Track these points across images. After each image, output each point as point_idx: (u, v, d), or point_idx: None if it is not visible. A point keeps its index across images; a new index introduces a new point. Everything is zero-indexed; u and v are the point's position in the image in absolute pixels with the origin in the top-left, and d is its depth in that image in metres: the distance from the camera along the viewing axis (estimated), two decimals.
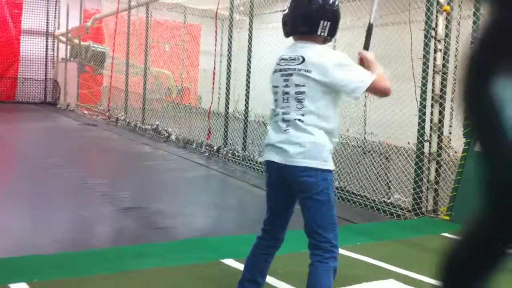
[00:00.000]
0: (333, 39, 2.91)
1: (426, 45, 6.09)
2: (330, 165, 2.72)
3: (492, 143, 1.58)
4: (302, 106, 2.72)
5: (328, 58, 2.71)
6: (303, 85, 2.72)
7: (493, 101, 1.47)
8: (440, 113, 6.10)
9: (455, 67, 7.52)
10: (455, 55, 7.63)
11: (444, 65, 6.13)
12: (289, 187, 2.80)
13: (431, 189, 6.08)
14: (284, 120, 2.77)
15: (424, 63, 6.09)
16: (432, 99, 6.13)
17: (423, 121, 6.11)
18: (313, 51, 2.75)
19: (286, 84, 2.78)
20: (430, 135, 6.12)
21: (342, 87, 2.70)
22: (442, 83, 6.11)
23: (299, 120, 2.72)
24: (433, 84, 6.12)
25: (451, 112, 7.61)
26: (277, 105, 2.84)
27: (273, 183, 2.90)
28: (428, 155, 6.13)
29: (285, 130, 2.76)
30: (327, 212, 2.70)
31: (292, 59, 2.78)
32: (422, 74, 6.09)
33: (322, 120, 2.71)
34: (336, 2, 2.86)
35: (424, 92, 6.09)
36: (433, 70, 6.13)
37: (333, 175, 2.78)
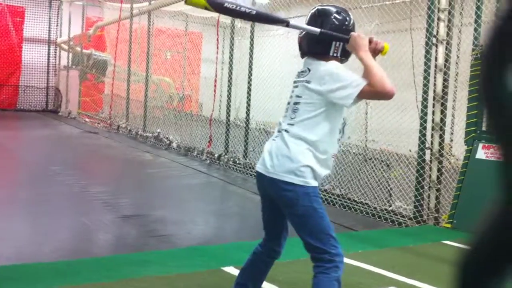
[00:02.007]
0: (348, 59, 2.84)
1: (428, 52, 6.10)
2: (309, 182, 2.65)
3: (510, 137, 1.51)
4: (295, 116, 2.73)
5: (325, 67, 2.68)
6: (301, 96, 2.74)
7: (508, 92, 1.40)
8: (442, 120, 6.10)
9: (456, 74, 7.53)
10: (456, 63, 7.64)
11: (445, 65, 6.12)
12: (274, 198, 2.79)
13: (432, 197, 6.07)
14: (278, 130, 2.80)
15: (425, 70, 6.10)
16: (433, 106, 6.13)
17: (424, 128, 6.11)
18: (317, 64, 2.74)
19: (291, 95, 2.82)
20: (431, 143, 6.11)
21: (335, 94, 2.62)
22: (444, 84, 6.10)
23: (285, 130, 2.73)
24: (434, 90, 6.13)
25: (452, 119, 7.61)
26: (283, 114, 2.86)
27: (261, 193, 2.91)
28: (429, 161, 6.12)
29: (273, 139, 2.80)
30: (316, 224, 2.66)
31: (302, 72, 2.80)
32: (424, 82, 6.10)
33: (307, 132, 2.68)
34: (351, 22, 2.81)
35: (425, 99, 6.10)
36: (434, 77, 6.13)
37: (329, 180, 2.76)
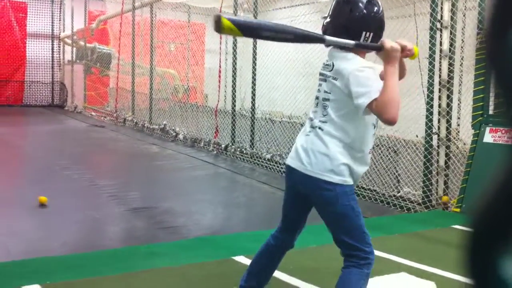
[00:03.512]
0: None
1: (432, 37, 6.07)
2: (347, 181, 2.62)
3: None
4: (326, 113, 2.64)
5: (349, 66, 2.57)
6: (330, 93, 2.64)
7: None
8: (448, 105, 6.08)
9: (462, 59, 7.48)
10: (461, 47, 7.59)
11: (450, 50, 6.09)
12: (303, 195, 2.74)
13: (440, 182, 6.06)
14: (311, 125, 2.71)
15: (430, 56, 6.06)
16: (439, 91, 6.10)
17: (431, 113, 6.08)
18: (341, 58, 2.63)
19: (319, 89, 2.73)
20: (438, 128, 6.09)
21: (354, 98, 2.52)
22: (449, 68, 6.08)
23: (319, 128, 2.64)
24: (439, 75, 6.09)
25: (458, 104, 7.57)
26: (313, 108, 2.77)
27: (288, 187, 2.86)
28: (437, 145, 6.10)
29: (307, 134, 2.71)
30: (353, 223, 2.63)
31: (327, 65, 2.70)
32: (429, 67, 6.07)
33: (340, 131, 2.60)
34: (381, 9, 2.68)
35: (431, 84, 6.07)
36: (439, 61, 6.10)
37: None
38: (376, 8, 2.67)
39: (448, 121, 6.09)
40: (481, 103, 5.91)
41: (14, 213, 5.53)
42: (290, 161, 2.74)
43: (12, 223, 5.12)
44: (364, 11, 2.64)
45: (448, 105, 6.08)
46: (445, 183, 6.06)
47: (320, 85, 2.72)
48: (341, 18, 2.65)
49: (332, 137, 2.61)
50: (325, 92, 2.66)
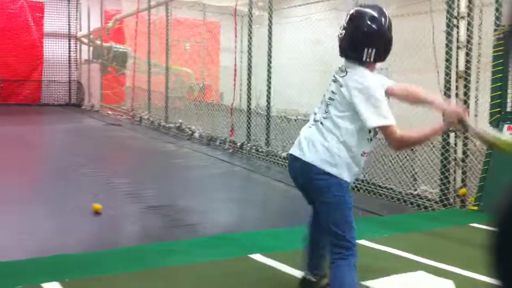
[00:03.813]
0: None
1: (449, 34, 6.01)
2: (342, 174, 2.75)
3: None
4: (328, 111, 2.80)
5: (358, 82, 2.71)
6: (335, 93, 2.79)
7: None
8: (465, 102, 6.02)
9: (479, 55, 7.41)
10: (478, 43, 7.53)
11: (467, 46, 6.02)
12: (304, 185, 2.90)
13: (458, 178, 6.00)
14: (314, 119, 2.87)
15: (447, 52, 6.01)
16: (456, 81, 6.04)
17: None
18: (354, 70, 2.76)
19: (327, 89, 2.87)
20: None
21: (360, 113, 2.70)
22: (466, 67, 6.02)
23: (321, 122, 2.81)
24: (457, 66, 6.02)
25: (476, 101, 7.50)
26: (319, 104, 2.93)
27: (291, 176, 2.99)
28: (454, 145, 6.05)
29: (310, 127, 2.87)
30: (343, 214, 2.76)
31: (341, 71, 2.82)
32: (446, 64, 6.02)
33: (336, 129, 2.76)
34: (386, 25, 2.75)
35: (448, 81, 6.02)
36: (456, 58, 6.04)
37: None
38: (379, 24, 2.74)
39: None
40: (498, 100, 5.85)
41: (30, 210, 5.58)
42: (292, 150, 2.91)
43: (28, 221, 5.16)
44: (367, 27, 2.73)
45: (465, 101, 6.02)
46: (463, 181, 6.00)
47: (330, 84, 2.87)
48: (348, 34, 2.78)
49: (331, 132, 2.77)
50: (332, 92, 2.82)
